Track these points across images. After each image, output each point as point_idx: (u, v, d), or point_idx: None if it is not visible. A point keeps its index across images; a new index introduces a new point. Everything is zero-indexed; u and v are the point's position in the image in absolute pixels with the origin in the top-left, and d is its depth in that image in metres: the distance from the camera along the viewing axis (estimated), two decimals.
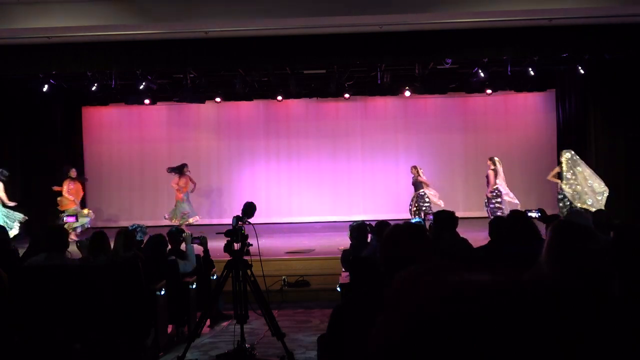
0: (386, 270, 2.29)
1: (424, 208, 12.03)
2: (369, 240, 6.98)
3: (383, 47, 10.42)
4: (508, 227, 4.89)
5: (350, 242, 7.38)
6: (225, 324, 7.46)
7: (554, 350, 0.52)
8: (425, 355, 0.53)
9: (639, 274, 2.35)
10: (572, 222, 2.83)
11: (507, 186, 11.81)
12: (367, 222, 7.36)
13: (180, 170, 12.91)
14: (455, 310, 0.54)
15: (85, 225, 12.24)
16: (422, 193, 12.16)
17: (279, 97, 14.12)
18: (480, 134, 15.10)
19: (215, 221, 14.52)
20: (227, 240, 5.89)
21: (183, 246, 7.44)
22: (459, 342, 0.52)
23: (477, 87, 13.52)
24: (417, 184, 12.26)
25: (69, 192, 12.38)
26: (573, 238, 2.44)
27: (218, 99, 14.11)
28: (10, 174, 11.58)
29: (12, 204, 11.32)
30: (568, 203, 11.33)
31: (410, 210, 12.32)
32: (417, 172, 12.32)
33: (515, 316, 0.53)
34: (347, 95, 14.19)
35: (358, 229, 7.13)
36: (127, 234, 6.52)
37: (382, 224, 6.39)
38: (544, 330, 0.51)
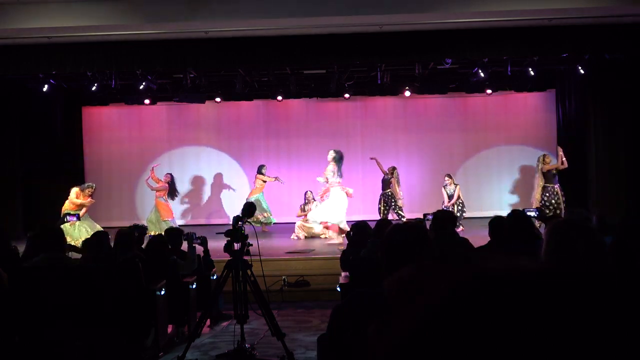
0: (387, 269, 2.29)
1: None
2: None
3: (383, 47, 10.41)
4: (508, 227, 4.89)
5: (347, 241, 7.37)
6: (225, 324, 7.46)
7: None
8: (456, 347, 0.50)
9: None
10: (571, 221, 2.82)
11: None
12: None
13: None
14: (502, 294, 0.50)
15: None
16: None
17: (279, 97, 14.12)
18: (480, 134, 15.09)
19: (215, 221, 14.53)
20: (227, 240, 5.89)
21: (184, 246, 7.44)
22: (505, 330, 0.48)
23: (477, 87, 13.52)
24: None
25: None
26: (573, 237, 2.43)
27: (218, 99, 14.11)
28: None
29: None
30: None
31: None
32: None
33: (577, 303, 0.49)
34: (347, 95, 14.19)
35: (358, 229, 7.12)
36: (127, 234, 6.52)
37: (383, 223, 6.38)
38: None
